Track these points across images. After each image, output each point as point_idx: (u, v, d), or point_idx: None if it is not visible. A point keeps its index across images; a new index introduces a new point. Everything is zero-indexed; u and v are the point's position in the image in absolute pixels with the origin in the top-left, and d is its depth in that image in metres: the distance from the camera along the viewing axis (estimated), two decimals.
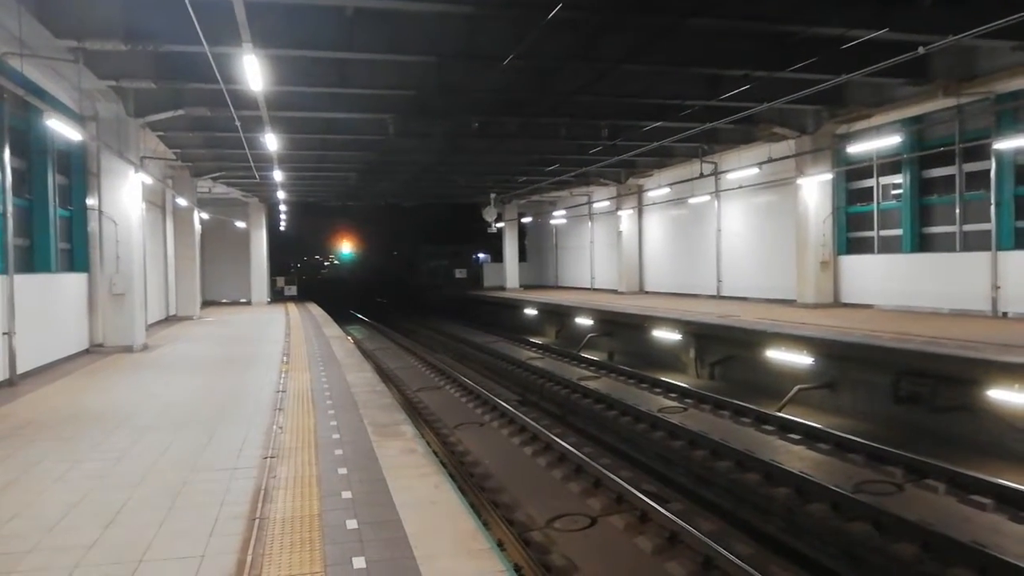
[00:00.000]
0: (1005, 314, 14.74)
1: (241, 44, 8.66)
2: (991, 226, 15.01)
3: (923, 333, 12.59)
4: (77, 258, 15.24)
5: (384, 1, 10.36)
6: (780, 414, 12.32)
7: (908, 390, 11.40)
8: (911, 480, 9.11)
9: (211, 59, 10.20)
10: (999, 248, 14.87)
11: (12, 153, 11.57)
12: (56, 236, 14.08)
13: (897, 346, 11.55)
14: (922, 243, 17.16)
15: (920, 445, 10.27)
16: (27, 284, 11.97)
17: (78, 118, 14.28)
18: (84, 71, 12.21)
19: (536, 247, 43.20)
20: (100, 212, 15.19)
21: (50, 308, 13.32)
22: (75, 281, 14.85)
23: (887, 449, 9.86)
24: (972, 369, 10.08)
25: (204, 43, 8.99)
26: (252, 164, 21.00)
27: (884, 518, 7.63)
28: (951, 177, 16.27)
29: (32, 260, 13.28)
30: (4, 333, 11.02)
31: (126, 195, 15.32)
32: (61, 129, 11.04)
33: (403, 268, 72.06)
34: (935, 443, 10.59)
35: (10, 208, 11.35)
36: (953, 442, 10.63)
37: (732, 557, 6.92)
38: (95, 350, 15.01)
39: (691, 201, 25.03)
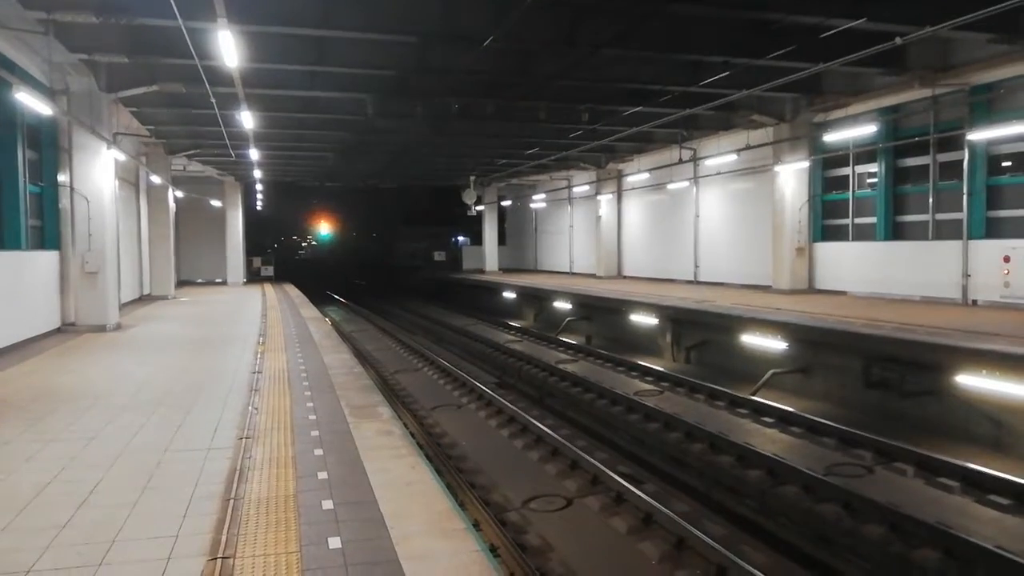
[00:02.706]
0: (975, 302, 15.02)
1: (216, 19, 8.49)
2: (963, 215, 15.25)
3: (894, 319, 12.80)
4: (48, 235, 14.95)
5: None
6: (754, 398, 12.49)
7: (879, 375, 11.61)
8: (881, 463, 9.30)
9: (186, 34, 9.99)
10: (970, 237, 15.12)
11: None
12: (26, 213, 13.79)
13: (869, 332, 11.73)
14: (896, 231, 17.40)
15: (890, 429, 10.48)
16: None
17: (49, 92, 13.95)
18: (55, 44, 11.89)
19: (516, 230, 43.15)
20: (72, 189, 14.89)
21: (20, 286, 13.08)
22: (46, 259, 14.58)
23: (858, 433, 10.05)
24: (941, 355, 10.27)
25: (178, 17, 8.83)
26: (228, 142, 20.69)
27: (854, 500, 7.79)
28: (925, 167, 16.48)
29: (1, 237, 13.02)
30: None
31: (98, 172, 15.01)
32: (31, 103, 10.78)
33: (382, 250, 71.60)
34: (905, 427, 10.82)
35: None
36: (922, 426, 10.86)
37: (705, 537, 7.03)
38: (67, 329, 14.79)
39: (670, 187, 25.11)
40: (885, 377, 11.49)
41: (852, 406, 12.15)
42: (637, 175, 25.67)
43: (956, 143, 15.44)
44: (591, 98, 17.59)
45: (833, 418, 11.01)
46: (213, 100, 14.61)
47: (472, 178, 32.02)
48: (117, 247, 16.05)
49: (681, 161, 21.85)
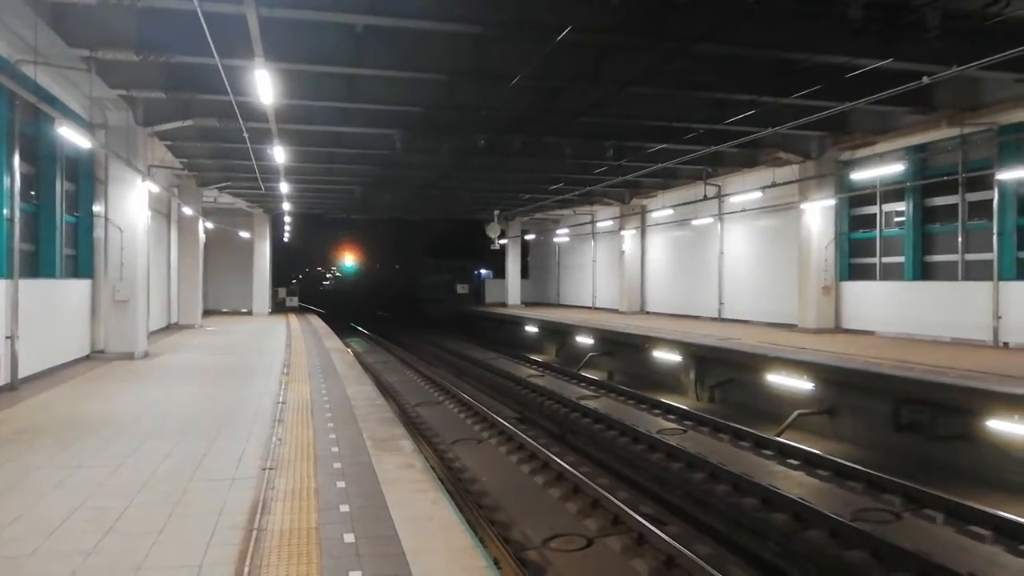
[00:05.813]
0: (1006, 344, 14.74)
1: (252, 57, 8.74)
2: (993, 256, 15.05)
3: (924, 361, 12.59)
4: (82, 264, 15.30)
5: (394, 19, 10.45)
6: (779, 439, 12.30)
7: (908, 418, 11.39)
8: (910, 509, 9.08)
9: (222, 71, 10.28)
10: (1001, 278, 14.90)
11: (21, 158, 11.63)
12: (62, 242, 14.14)
13: (898, 374, 11.55)
14: (924, 271, 17.20)
15: (919, 474, 10.25)
16: (31, 289, 12.01)
17: (88, 126, 14.40)
18: (95, 80, 12.32)
19: (538, 264, 43.27)
20: (106, 219, 15.27)
21: (53, 313, 13.35)
22: (79, 287, 14.90)
23: (886, 477, 9.84)
24: (973, 399, 10.08)
25: (215, 55, 9.08)
26: (258, 175, 21.11)
27: (882, 547, 7.60)
28: (954, 206, 16.34)
29: (37, 265, 13.34)
30: (7, 337, 11.05)
31: (133, 203, 15.40)
32: (71, 136, 11.12)
33: (405, 282, 72.15)
34: (934, 472, 10.56)
35: (17, 213, 11.41)
36: (953, 472, 10.60)
37: None
38: (96, 356, 15.03)
39: (694, 223, 25.12)
40: (915, 420, 11.26)
41: (880, 449, 11.91)
42: (661, 211, 25.71)
43: (985, 182, 15.32)
44: (616, 134, 17.74)
45: (860, 461, 10.80)
46: (246, 135, 14.96)
47: (496, 212, 32.29)
48: (147, 277, 16.37)
49: (706, 197, 21.87)
